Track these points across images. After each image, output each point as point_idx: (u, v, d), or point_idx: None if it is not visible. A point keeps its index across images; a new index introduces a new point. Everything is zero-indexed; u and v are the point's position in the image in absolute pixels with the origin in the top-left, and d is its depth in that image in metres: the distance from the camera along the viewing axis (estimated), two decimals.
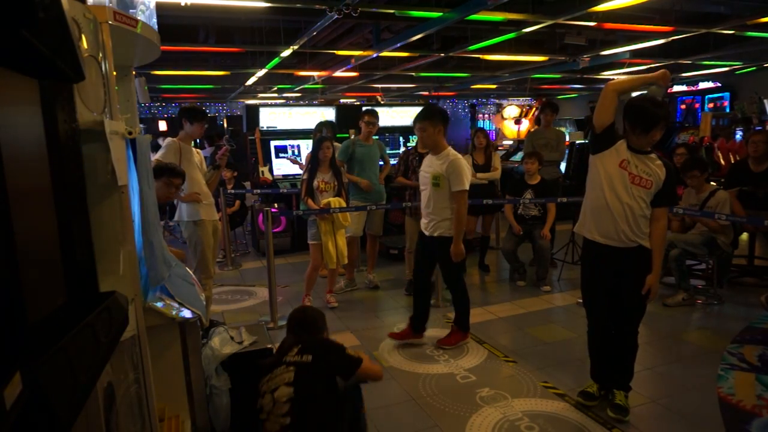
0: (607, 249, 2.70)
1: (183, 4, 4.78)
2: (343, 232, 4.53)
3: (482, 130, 5.82)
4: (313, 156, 4.50)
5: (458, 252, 3.49)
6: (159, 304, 1.91)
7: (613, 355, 2.88)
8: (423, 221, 3.68)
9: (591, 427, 2.70)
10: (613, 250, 2.68)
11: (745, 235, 5.24)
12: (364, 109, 5.55)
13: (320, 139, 4.55)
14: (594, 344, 2.96)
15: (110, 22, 1.50)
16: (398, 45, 6.85)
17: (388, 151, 6.02)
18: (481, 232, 5.68)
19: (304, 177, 4.58)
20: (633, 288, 2.71)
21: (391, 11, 5.65)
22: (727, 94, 12.52)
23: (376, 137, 5.24)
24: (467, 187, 3.48)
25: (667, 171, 2.63)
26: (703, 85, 13.19)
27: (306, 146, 6.85)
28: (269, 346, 2.60)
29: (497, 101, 16.68)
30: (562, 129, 8.05)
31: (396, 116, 8.08)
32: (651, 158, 2.64)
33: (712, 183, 4.76)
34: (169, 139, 3.88)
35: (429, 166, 3.60)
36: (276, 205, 6.49)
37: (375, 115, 5.07)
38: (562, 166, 6.81)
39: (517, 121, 11.54)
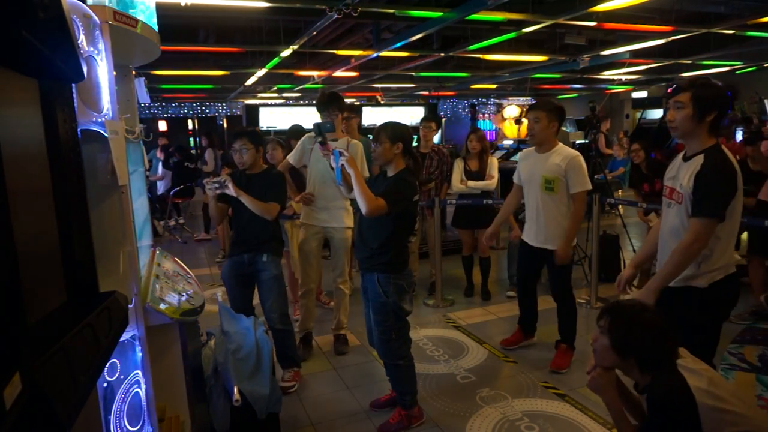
0: None
1: (183, 4, 4.77)
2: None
3: (477, 132, 4.84)
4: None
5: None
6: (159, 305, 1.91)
7: None
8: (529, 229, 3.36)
9: (591, 427, 2.70)
10: None
11: (745, 235, 5.24)
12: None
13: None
14: None
15: (110, 22, 1.50)
16: (398, 45, 6.85)
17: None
18: (480, 252, 4.75)
19: None
20: None
21: (391, 11, 5.65)
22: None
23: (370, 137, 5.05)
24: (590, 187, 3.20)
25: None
26: None
27: None
28: None
29: (497, 101, 16.70)
30: (563, 128, 8.00)
31: (396, 116, 8.07)
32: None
33: None
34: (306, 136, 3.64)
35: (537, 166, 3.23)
36: None
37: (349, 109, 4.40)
38: None
39: (517, 121, 11.53)
